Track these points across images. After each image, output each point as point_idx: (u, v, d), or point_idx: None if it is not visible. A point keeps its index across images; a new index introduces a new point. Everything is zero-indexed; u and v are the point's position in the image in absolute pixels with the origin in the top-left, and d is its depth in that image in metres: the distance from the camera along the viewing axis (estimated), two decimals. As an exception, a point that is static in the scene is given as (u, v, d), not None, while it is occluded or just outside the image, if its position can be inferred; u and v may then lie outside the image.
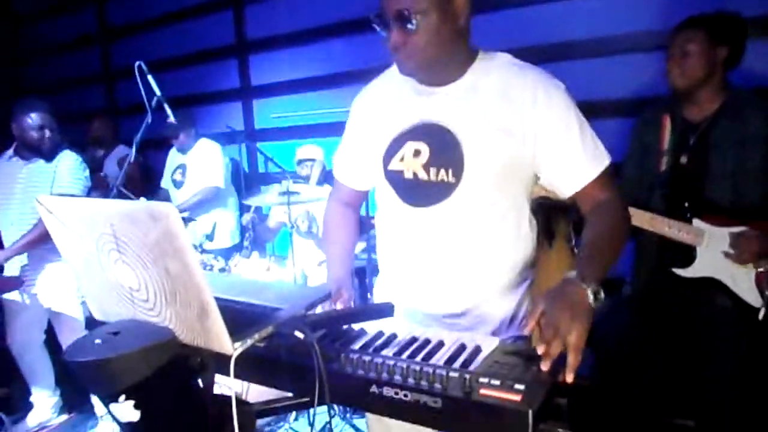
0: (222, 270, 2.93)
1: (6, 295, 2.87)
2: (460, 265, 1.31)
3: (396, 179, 1.33)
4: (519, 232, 1.33)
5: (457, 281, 1.32)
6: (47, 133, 2.83)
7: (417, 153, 1.29)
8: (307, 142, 3.74)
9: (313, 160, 3.50)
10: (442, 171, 1.27)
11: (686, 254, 1.93)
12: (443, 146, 1.27)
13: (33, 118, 2.82)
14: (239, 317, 1.00)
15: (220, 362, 0.94)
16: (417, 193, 1.31)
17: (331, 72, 3.96)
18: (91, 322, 2.89)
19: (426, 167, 1.28)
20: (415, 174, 1.30)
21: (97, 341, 0.94)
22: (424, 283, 1.35)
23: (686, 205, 1.92)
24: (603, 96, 3.00)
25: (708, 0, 2.54)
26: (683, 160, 1.95)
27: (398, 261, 1.41)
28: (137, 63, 2.67)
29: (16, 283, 2.82)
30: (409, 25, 1.18)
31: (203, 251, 3.14)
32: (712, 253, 1.89)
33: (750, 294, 1.87)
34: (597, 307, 1.02)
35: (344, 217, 1.58)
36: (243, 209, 3.81)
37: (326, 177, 3.53)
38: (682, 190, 1.94)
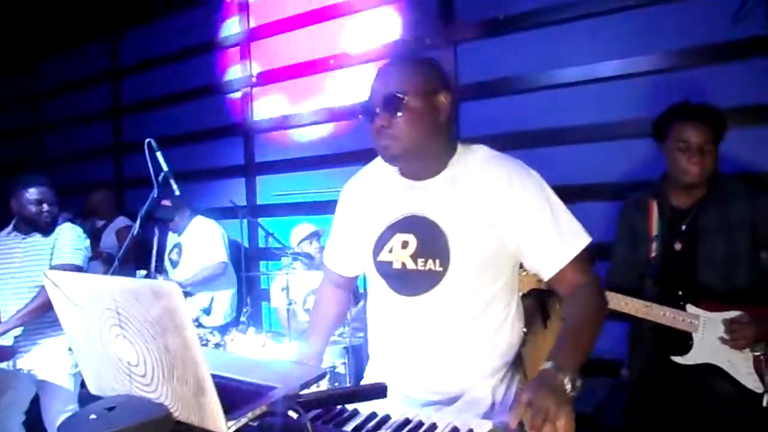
0: (218, 345, 2.91)
1: None
2: (448, 351, 1.34)
3: (385, 270, 1.39)
4: (506, 317, 1.38)
5: (446, 367, 1.35)
6: (45, 207, 2.88)
7: (405, 244, 1.36)
8: (307, 219, 3.81)
9: (311, 234, 3.55)
10: (430, 261, 1.33)
11: (682, 340, 1.93)
12: (430, 237, 1.33)
13: (31, 193, 2.88)
14: (233, 395, 1.01)
15: (214, 441, 0.94)
16: (406, 282, 1.36)
17: (332, 152, 4.10)
18: (83, 398, 2.85)
19: (414, 257, 1.34)
20: (403, 264, 1.36)
21: (92, 416, 0.95)
22: (413, 370, 1.38)
23: (680, 292, 1.94)
24: (594, 180, 3.11)
25: (691, 90, 2.73)
26: (677, 246, 2.00)
27: (389, 347, 1.44)
28: (147, 140, 2.77)
29: (7, 353, 2.79)
30: (394, 109, 1.27)
31: (200, 326, 3.13)
32: (709, 339, 1.90)
33: (749, 379, 1.87)
34: (578, 393, 1.06)
35: (333, 297, 1.66)
36: (241, 284, 3.82)
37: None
38: (675, 276, 1.97)
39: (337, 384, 2.94)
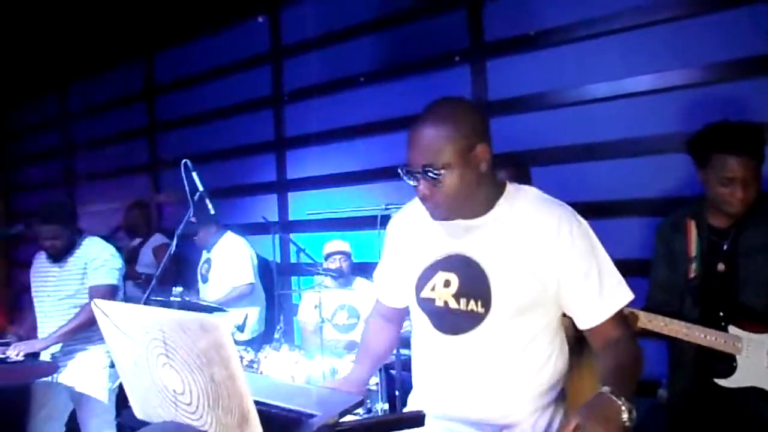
0: (251, 362, 2.94)
1: (37, 382, 2.92)
2: (490, 390, 1.34)
3: (428, 307, 1.40)
4: (550, 355, 1.37)
5: (487, 405, 1.35)
6: (47, 243, 2.98)
7: (447, 283, 1.36)
8: (337, 235, 3.85)
9: (341, 253, 3.59)
10: (472, 302, 1.33)
11: (726, 363, 1.88)
12: (471, 278, 1.33)
13: (43, 230, 2.97)
14: (274, 422, 1.03)
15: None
16: (448, 321, 1.37)
17: (363, 168, 4.14)
18: (120, 409, 2.91)
19: (456, 297, 1.35)
20: (446, 303, 1.36)
21: (140, 443, 0.98)
22: (455, 406, 1.38)
23: (721, 313, 1.90)
24: (627, 196, 3.06)
25: (725, 104, 2.67)
26: (720, 267, 1.95)
27: (431, 382, 1.45)
28: (183, 160, 2.85)
29: (51, 368, 2.89)
30: (433, 179, 1.28)
31: (235, 342, 3.17)
32: (754, 361, 1.85)
33: None
34: (634, 424, 1.03)
35: (381, 330, 1.67)
36: (272, 300, 3.87)
37: (353, 269, 3.60)
38: (716, 297, 1.93)
39: (368, 401, 2.95)
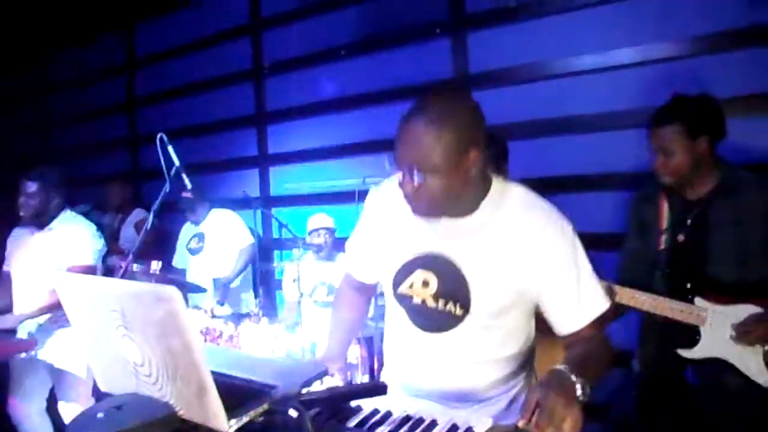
0: (231, 336, 2.96)
1: (15, 359, 2.92)
2: (464, 377, 1.38)
3: (405, 302, 1.40)
4: (524, 341, 1.42)
5: (461, 386, 1.39)
6: (21, 199, 2.89)
7: (426, 283, 1.35)
8: (319, 209, 3.84)
9: (324, 228, 3.59)
10: (450, 303, 1.33)
11: (690, 334, 1.92)
12: (451, 281, 1.32)
13: (23, 185, 2.89)
14: (236, 393, 1.04)
15: (217, 439, 0.97)
16: (425, 319, 1.37)
17: (345, 142, 4.11)
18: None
19: (435, 298, 1.35)
20: (424, 301, 1.36)
21: (100, 415, 0.98)
22: (429, 387, 1.41)
23: (688, 285, 1.93)
24: (606, 169, 3.08)
25: (696, 80, 2.67)
26: (680, 238, 1.98)
27: (405, 374, 1.47)
28: (159, 134, 2.81)
29: (29, 344, 2.88)
30: (420, 179, 1.22)
31: (213, 316, 3.18)
32: (717, 333, 1.88)
33: (761, 376, 1.85)
34: (586, 399, 1.06)
35: (353, 300, 1.66)
36: (255, 275, 3.88)
37: (336, 245, 3.61)
38: (683, 269, 1.96)
39: (350, 374, 2.98)
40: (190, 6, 4.96)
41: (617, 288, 1.92)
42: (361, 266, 1.58)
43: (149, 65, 5.43)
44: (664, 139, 1.93)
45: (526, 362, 1.44)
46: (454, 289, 1.32)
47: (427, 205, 1.27)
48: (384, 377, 1.55)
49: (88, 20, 5.49)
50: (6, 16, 5.40)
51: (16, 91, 6.61)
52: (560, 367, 1.11)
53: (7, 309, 2.97)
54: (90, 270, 2.94)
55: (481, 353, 1.36)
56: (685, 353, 1.92)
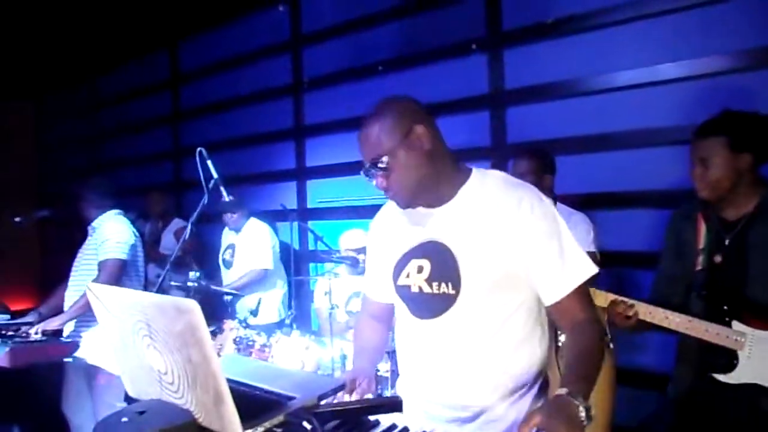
0: (263, 346, 3.01)
1: (66, 360, 3.04)
2: (465, 371, 1.37)
3: (405, 293, 1.45)
4: (524, 337, 1.38)
5: (464, 386, 1.37)
6: (81, 213, 3.18)
7: (420, 269, 1.41)
8: (356, 224, 3.86)
9: (355, 250, 3.59)
10: (443, 284, 1.37)
11: (728, 357, 1.85)
12: (442, 262, 1.37)
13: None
14: (254, 403, 1.06)
15: (233, 447, 0.99)
16: (423, 305, 1.41)
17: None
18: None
19: (429, 281, 1.39)
20: (420, 288, 1.41)
21: (124, 419, 1.02)
22: (434, 388, 1.42)
23: (725, 307, 1.87)
24: (644, 187, 3.01)
25: (741, 96, 2.59)
26: (717, 259, 1.92)
27: (412, 367, 1.49)
28: (198, 149, 2.91)
29: (71, 347, 2.99)
30: (383, 169, 1.34)
31: (247, 326, 3.24)
32: (756, 358, 1.82)
33: None
34: (589, 423, 1.06)
35: (373, 331, 1.69)
36: (290, 287, 3.93)
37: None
38: (720, 291, 1.90)
39: (379, 387, 2.98)
40: (233, 23, 5.12)
41: (650, 308, 1.87)
42: (375, 286, 1.64)
43: (193, 81, 5.62)
44: (706, 149, 1.88)
45: (531, 371, 1.39)
46: (445, 268, 1.37)
47: (402, 191, 1.36)
48: (399, 384, 1.57)
49: (135, 39, 5.75)
50: (59, 38, 5.71)
51: (69, 107, 6.96)
52: (561, 392, 1.11)
53: (58, 314, 3.11)
54: (121, 264, 3.06)
55: (479, 336, 1.35)
56: (721, 377, 1.86)
